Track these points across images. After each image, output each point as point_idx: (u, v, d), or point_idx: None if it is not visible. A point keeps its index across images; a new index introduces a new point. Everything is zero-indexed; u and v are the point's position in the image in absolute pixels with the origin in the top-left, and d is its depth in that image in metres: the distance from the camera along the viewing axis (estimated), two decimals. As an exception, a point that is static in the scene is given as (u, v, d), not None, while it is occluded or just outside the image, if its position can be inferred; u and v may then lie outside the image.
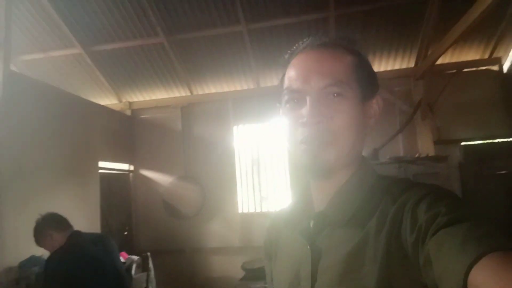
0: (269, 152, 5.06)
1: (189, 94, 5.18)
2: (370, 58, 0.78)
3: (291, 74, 0.75)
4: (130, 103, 5.31)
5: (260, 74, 4.92)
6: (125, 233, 4.97)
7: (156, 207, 4.99)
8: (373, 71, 0.77)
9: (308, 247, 0.72)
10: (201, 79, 5.06)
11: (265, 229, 0.94)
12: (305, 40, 0.77)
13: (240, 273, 4.33)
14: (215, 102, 5.15)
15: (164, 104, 5.24)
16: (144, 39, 4.56)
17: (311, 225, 0.75)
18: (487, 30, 4.31)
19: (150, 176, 5.15)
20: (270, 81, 5.02)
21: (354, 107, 0.71)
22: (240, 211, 4.93)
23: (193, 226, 4.93)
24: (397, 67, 4.76)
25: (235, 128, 5.09)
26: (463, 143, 4.41)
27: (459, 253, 0.50)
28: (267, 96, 4.99)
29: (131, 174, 5.18)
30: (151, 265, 3.93)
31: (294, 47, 0.79)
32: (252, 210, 4.96)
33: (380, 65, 4.76)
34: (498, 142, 4.43)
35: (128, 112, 5.30)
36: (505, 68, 4.58)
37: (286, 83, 0.75)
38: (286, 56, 0.79)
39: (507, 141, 4.38)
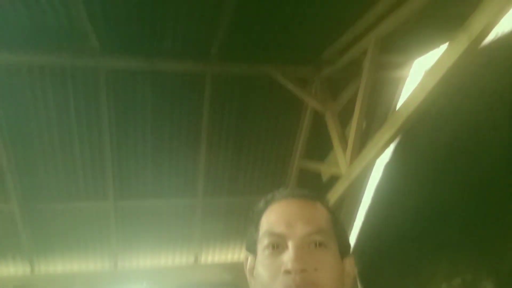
0: None
1: (28, 271, 4.41)
2: None
3: (272, 218, 0.73)
4: None
5: (119, 254, 4.62)
6: None
7: None
8: (346, 232, 0.78)
9: None
10: (49, 255, 4.45)
11: None
12: (281, 189, 0.79)
13: None
14: (61, 282, 4.45)
15: (-9, 283, 4.30)
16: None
17: None
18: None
19: None
20: (129, 263, 4.70)
21: (336, 261, 0.70)
22: None
23: None
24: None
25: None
26: None
27: None
28: (125, 279, 4.60)
29: None
30: None
31: (270, 195, 0.79)
32: None
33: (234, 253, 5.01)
34: None
35: None
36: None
37: (265, 227, 0.73)
38: (261, 204, 0.78)
39: None
